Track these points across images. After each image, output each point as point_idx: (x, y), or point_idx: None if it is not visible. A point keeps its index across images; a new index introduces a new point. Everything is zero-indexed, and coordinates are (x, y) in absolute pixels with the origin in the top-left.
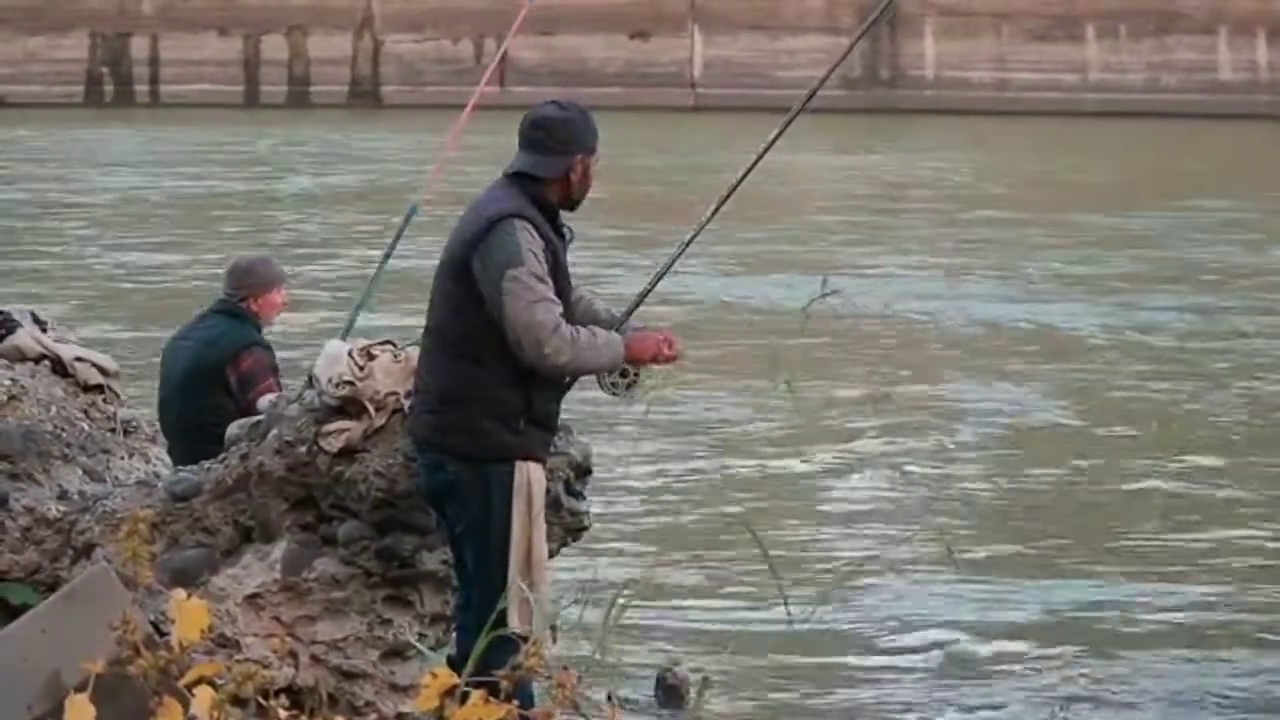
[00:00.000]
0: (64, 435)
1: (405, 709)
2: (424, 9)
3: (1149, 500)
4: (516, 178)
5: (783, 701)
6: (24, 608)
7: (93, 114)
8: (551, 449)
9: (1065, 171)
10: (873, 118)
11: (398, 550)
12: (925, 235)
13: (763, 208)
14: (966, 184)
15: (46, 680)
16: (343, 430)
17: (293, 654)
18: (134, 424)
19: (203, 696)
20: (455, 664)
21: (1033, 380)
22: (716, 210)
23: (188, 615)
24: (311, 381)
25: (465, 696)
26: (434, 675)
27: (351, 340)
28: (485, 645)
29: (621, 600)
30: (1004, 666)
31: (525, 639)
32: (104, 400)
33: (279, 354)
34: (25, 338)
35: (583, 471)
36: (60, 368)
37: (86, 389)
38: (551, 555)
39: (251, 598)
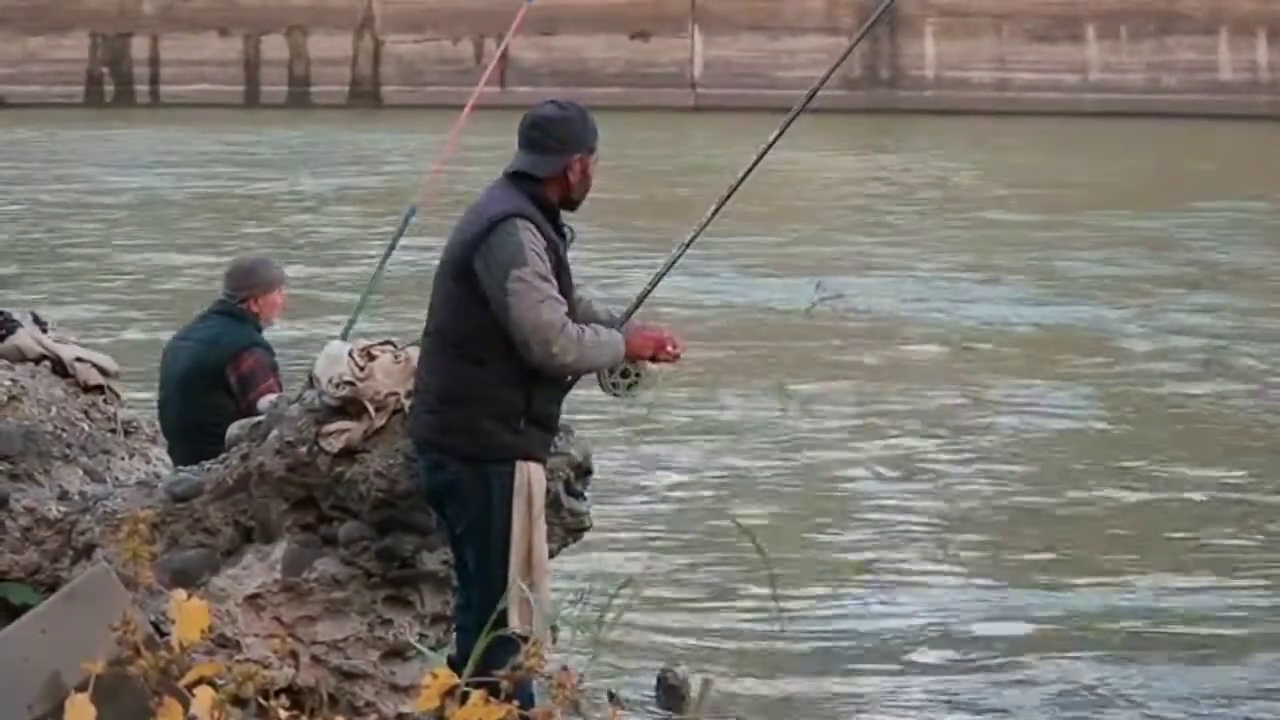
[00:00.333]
0: (64, 436)
1: (405, 709)
2: (424, 9)
3: (1148, 504)
4: (516, 177)
5: (783, 702)
6: (24, 608)
7: (93, 114)
8: (552, 449)
9: (1068, 172)
10: (873, 118)
11: (398, 551)
12: (928, 236)
13: (764, 208)
14: (970, 184)
15: (47, 680)
16: (343, 430)
17: (293, 654)
18: (134, 424)
19: (203, 697)
20: (456, 664)
21: (1037, 380)
22: (717, 211)
23: (188, 615)
24: (312, 382)
25: (465, 697)
26: (434, 675)
27: (352, 340)
28: (485, 645)
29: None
30: (1005, 667)
31: (525, 639)
32: (104, 401)
33: (278, 355)
34: (25, 338)
35: (583, 471)
36: (61, 368)
37: (87, 389)
38: (552, 555)
39: (252, 598)
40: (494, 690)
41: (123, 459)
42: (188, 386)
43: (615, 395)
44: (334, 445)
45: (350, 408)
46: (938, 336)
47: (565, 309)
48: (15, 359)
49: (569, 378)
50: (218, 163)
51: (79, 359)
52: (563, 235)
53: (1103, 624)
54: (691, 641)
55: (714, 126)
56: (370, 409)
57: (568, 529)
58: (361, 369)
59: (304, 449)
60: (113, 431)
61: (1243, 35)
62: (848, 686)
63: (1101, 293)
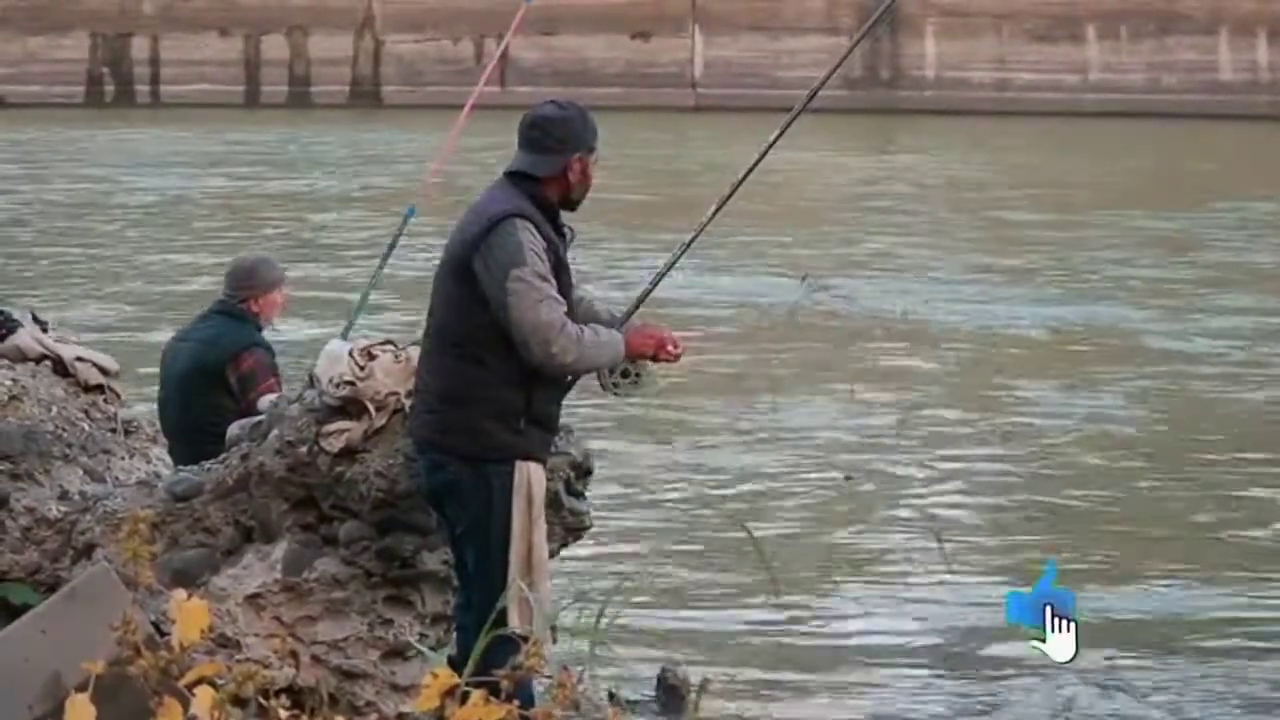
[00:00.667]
0: (65, 435)
1: (406, 709)
2: (424, 9)
3: (1159, 502)
4: (515, 177)
5: (783, 702)
6: (24, 608)
7: (93, 114)
8: (552, 449)
9: (1069, 172)
10: (873, 118)
11: (398, 550)
12: (940, 236)
13: (765, 208)
14: (974, 184)
15: (47, 680)
16: (343, 430)
17: (293, 654)
18: (135, 424)
19: (203, 697)
20: (456, 664)
21: (1058, 380)
22: (717, 211)
23: (188, 615)
24: (312, 381)
25: (466, 696)
26: (434, 675)
27: (352, 340)
28: (485, 645)
29: (619, 598)
30: (1005, 667)
31: (525, 639)
32: (105, 400)
33: (279, 355)
34: (26, 338)
35: (583, 471)
36: (61, 368)
37: (87, 389)
38: (552, 555)
39: (252, 598)
40: (494, 690)
41: (123, 459)
42: (188, 386)
43: (615, 395)
44: (334, 445)
45: (350, 407)
46: (954, 336)
47: (565, 309)
48: (16, 359)
49: (569, 378)
50: (221, 163)
51: (79, 358)
52: (562, 235)
53: (1124, 624)
54: (691, 641)
55: (714, 126)
56: (370, 409)
57: (568, 529)
58: (362, 369)
59: (304, 449)
60: (113, 431)
61: (1243, 35)
62: (849, 686)
63: (1123, 293)
